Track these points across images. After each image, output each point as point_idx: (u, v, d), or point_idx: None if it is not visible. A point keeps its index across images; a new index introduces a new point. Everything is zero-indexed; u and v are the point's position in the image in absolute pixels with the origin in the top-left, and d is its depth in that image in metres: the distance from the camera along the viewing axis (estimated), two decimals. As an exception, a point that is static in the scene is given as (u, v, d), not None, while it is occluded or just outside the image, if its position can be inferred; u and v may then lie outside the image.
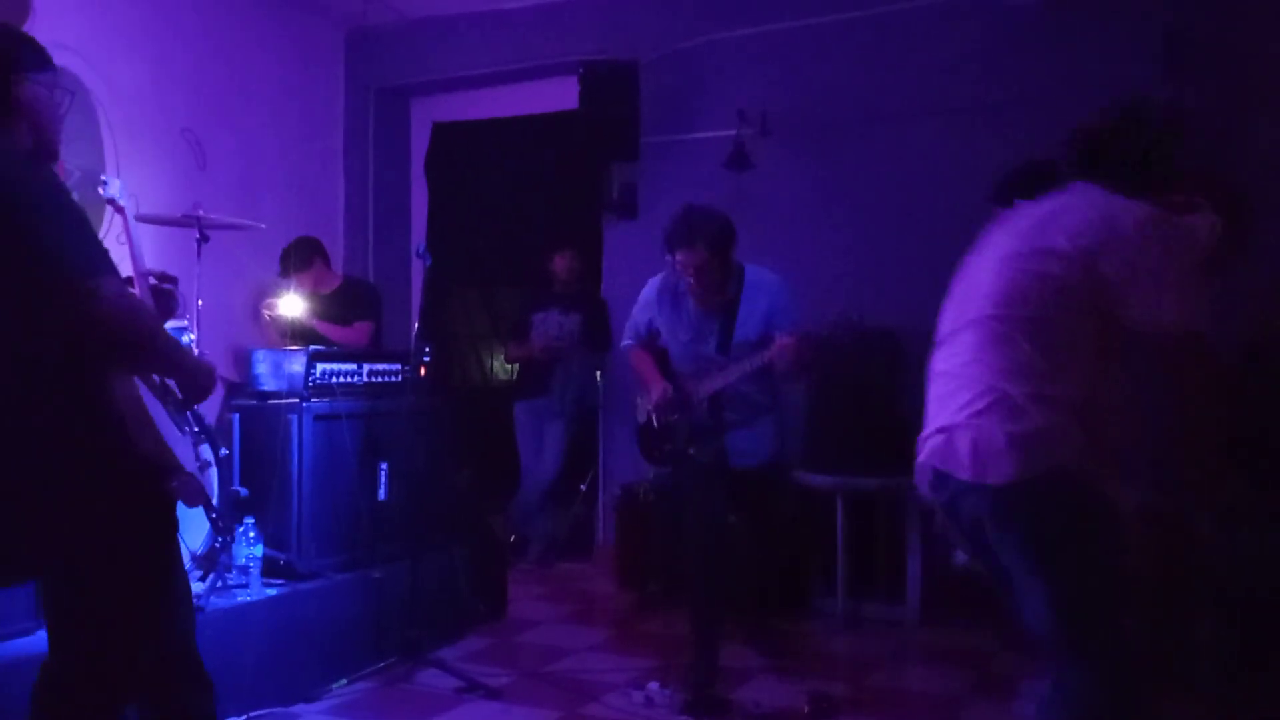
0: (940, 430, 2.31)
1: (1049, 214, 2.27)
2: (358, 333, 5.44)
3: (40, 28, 4.92)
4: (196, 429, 2.33)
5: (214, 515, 2.32)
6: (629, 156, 6.01)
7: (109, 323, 1.96)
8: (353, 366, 4.42)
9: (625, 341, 4.16)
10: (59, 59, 5.21)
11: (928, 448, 2.34)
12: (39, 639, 3.10)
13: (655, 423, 4.00)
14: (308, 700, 3.72)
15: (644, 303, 4.09)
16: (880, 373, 5.22)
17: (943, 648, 4.54)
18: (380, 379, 4.53)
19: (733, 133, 5.65)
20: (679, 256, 3.81)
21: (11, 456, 1.99)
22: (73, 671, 2.17)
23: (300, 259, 5.53)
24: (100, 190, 3.46)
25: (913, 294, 5.21)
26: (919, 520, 4.91)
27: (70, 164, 4.78)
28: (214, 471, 2.37)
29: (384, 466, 4.43)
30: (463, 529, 4.84)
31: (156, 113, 5.52)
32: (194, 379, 2.26)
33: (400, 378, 4.59)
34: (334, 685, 3.84)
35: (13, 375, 1.98)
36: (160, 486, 2.07)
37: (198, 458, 2.30)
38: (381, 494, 4.42)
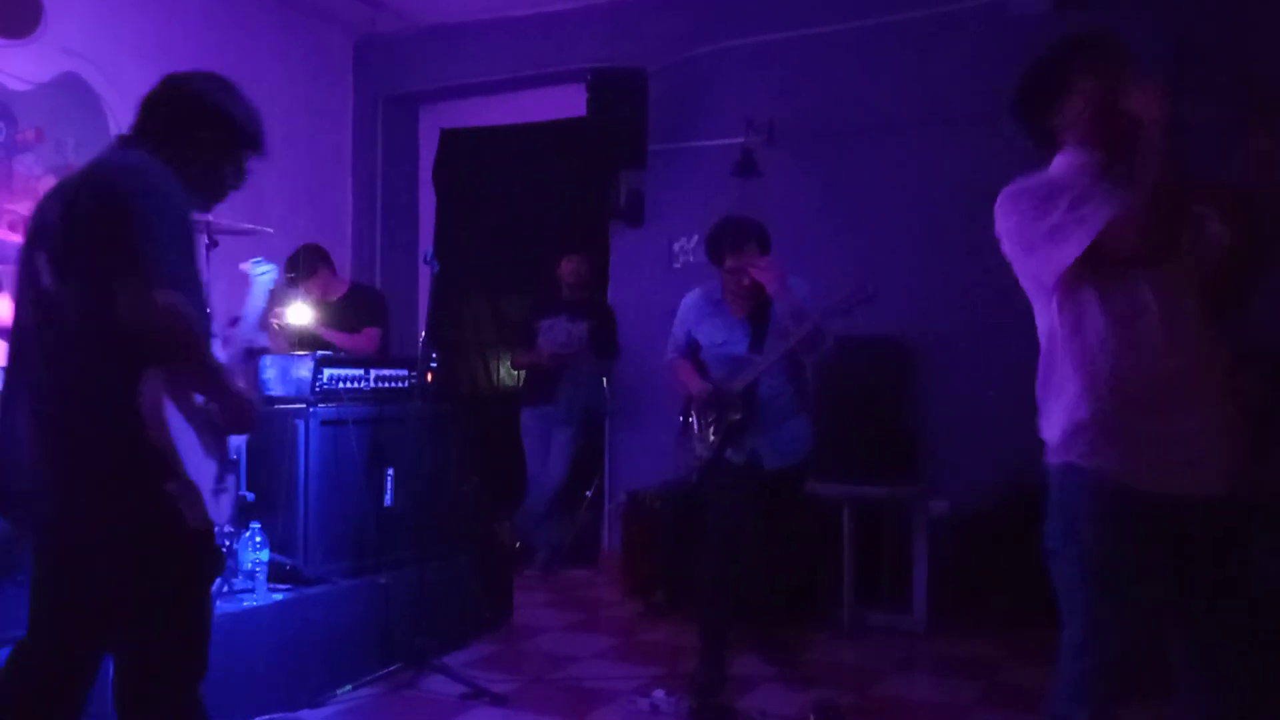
0: None
1: None
2: (365, 339, 5.45)
3: (51, 34, 4.96)
4: (227, 462, 2.40)
5: (218, 542, 2.37)
6: (637, 164, 6.02)
7: (156, 330, 2.11)
8: (360, 372, 4.43)
9: (668, 356, 4.25)
10: (69, 65, 5.21)
11: None
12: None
13: (696, 425, 4.06)
14: (313, 706, 3.72)
15: (682, 316, 4.19)
16: (887, 381, 5.22)
17: (949, 657, 4.52)
18: (387, 385, 4.54)
19: (740, 140, 5.66)
20: (731, 260, 3.93)
21: (38, 428, 2.17)
22: (46, 663, 2.26)
23: (306, 267, 5.54)
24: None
25: (919, 303, 5.24)
26: (926, 530, 4.91)
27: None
28: (229, 498, 2.41)
29: (390, 472, 4.43)
30: (469, 535, 4.84)
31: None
32: (236, 409, 2.34)
33: (407, 384, 4.60)
34: (339, 691, 3.84)
35: (66, 353, 2.17)
36: (160, 484, 2.16)
37: (218, 480, 2.33)
38: (388, 500, 4.43)
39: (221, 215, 4.44)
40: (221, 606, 3.57)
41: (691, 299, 4.17)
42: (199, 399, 2.29)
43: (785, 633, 4.51)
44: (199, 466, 2.24)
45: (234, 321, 2.76)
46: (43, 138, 5.03)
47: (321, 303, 5.52)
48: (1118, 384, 2.07)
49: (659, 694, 3.83)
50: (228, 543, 3.81)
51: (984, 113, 5.24)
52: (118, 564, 2.21)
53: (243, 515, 3.90)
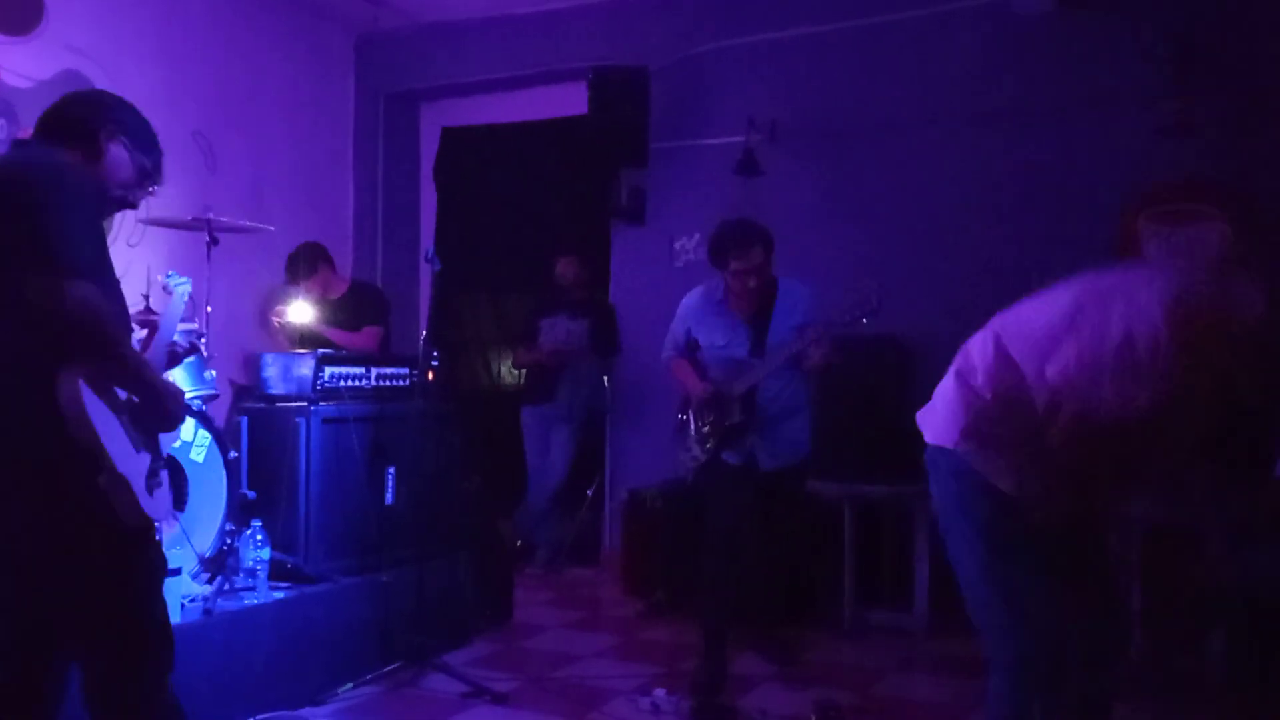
0: None
1: None
2: (366, 337, 5.46)
3: (53, 31, 4.95)
4: (160, 458, 2.35)
5: (157, 536, 2.32)
6: (638, 162, 6.02)
7: (70, 322, 2.08)
8: (361, 370, 4.44)
9: (666, 354, 4.25)
10: (71, 63, 5.22)
11: None
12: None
13: (693, 426, 4.06)
14: (314, 704, 3.72)
15: (681, 315, 4.19)
16: (888, 380, 5.21)
17: (949, 657, 4.52)
18: (388, 383, 4.55)
19: (741, 139, 5.65)
20: (736, 264, 3.91)
21: None
22: (6, 671, 2.24)
23: (307, 265, 5.55)
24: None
25: (920, 301, 5.23)
26: (926, 529, 4.91)
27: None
28: (164, 493, 2.37)
29: (391, 470, 4.44)
30: (470, 534, 4.84)
31: (167, 116, 5.51)
32: (159, 401, 2.30)
33: (408, 382, 4.60)
34: (340, 689, 3.84)
35: None
36: (89, 479, 2.13)
37: (152, 474, 2.29)
38: (389, 498, 4.44)
39: (223, 212, 4.46)
40: (223, 605, 3.58)
41: (692, 298, 4.17)
42: (122, 394, 2.25)
43: (785, 632, 4.51)
44: (128, 461, 2.20)
45: (151, 329, 2.73)
46: (44, 135, 5.02)
47: (322, 301, 5.53)
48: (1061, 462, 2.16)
49: (660, 693, 3.83)
50: (229, 540, 3.82)
51: (984, 113, 5.27)
52: (56, 566, 2.18)
53: (244, 513, 3.91)
